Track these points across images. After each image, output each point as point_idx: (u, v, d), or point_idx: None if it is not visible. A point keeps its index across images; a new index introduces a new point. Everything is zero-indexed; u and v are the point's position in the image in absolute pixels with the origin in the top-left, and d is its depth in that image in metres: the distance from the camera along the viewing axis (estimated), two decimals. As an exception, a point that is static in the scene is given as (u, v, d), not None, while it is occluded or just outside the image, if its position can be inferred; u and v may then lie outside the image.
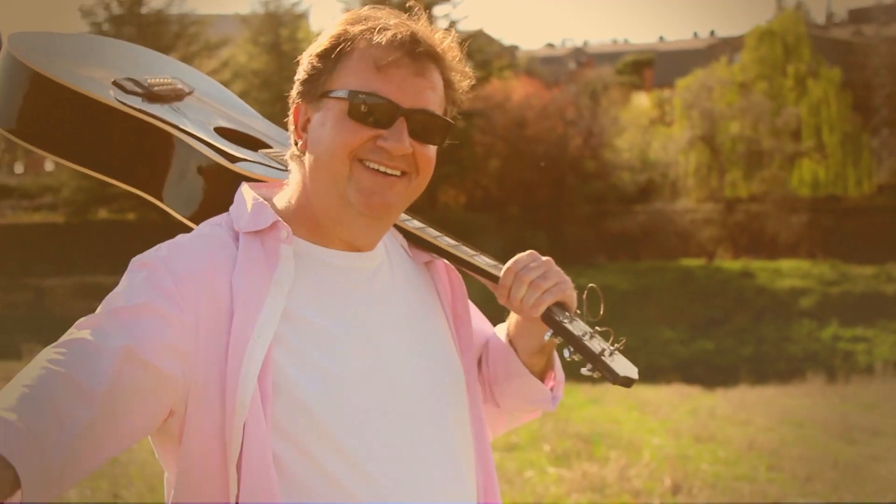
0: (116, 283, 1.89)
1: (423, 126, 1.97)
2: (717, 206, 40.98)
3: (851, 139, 44.43)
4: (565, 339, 2.08)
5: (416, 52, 1.95)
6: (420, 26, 1.99)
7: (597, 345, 2.05)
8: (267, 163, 2.30)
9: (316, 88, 1.99)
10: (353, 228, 2.00)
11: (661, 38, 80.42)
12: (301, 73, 2.03)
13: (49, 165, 46.65)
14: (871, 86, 48.57)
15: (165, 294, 1.85)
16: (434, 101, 1.99)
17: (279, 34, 41.60)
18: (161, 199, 2.30)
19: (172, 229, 2.10)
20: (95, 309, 1.85)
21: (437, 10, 41.92)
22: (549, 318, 2.11)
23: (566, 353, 2.08)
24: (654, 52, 69.43)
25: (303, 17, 44.40)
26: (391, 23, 1.96)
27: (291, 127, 2.06)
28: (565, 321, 2.10)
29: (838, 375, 22.46)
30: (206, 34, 41.70)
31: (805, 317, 31.55)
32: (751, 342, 30.22)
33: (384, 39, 1.92)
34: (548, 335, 2.12)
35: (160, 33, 40.30)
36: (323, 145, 1.96)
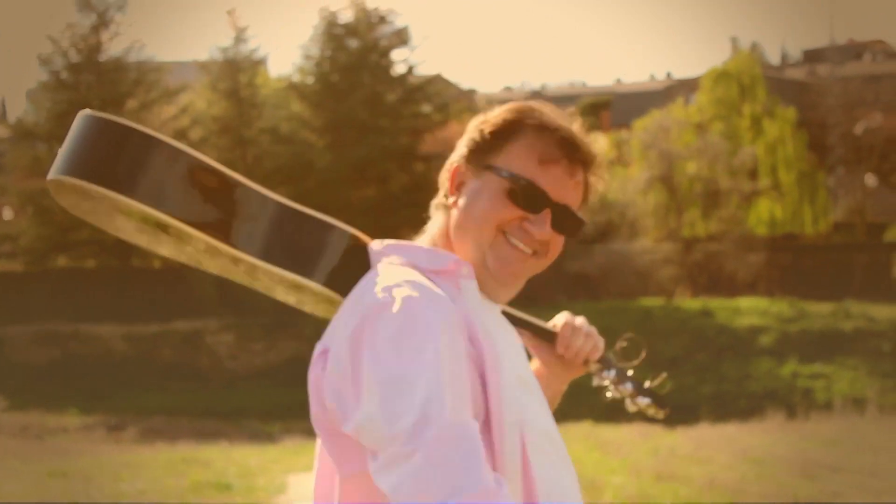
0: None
1: (563, 219, 2.27)
2: (676, 246, 41.15)
3: (807, 178, 44.93)
4: (620, 377, 2.75)
5: (574, 157, 2.23)
6: (578, 130, 2.26)
7: (641, 382, 2.75)
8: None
9: (480, 159, 2.25)
10: (485, 287, 2.24)
11: (618, 81, 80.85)
12: (468, 141, 2.29)
13: (7, 213, 46.30)
14: (825, 125, 49.17)
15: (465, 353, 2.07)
16: (575, 199, 2.29)
17: (238, 80, 41.47)
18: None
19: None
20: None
21: (396, 55, 41.97)
22: (606, 362, 2.72)
23: (627, 386, 2.76)
24: (611, 94, 69.86)
25: (261, 63, 44.39)
26: (559, 123, 2.22)
27: (447, 183, 2.32)
28: (617, 363, 2.74)
29: (798, 412, 22.59)
30: (164, 81, 41.60)
31: (764, 354, 31.68)
32: (711, 380, 30.29)
33: (551, 138, 2.21)
34: (608, 373, 2.76)
35: (119, 80, 40.21)
36: (476, 211, 2.23)
